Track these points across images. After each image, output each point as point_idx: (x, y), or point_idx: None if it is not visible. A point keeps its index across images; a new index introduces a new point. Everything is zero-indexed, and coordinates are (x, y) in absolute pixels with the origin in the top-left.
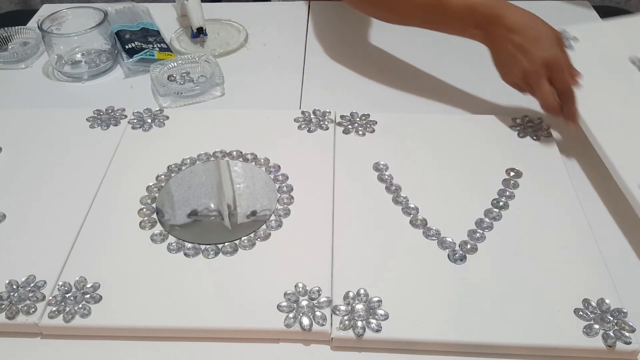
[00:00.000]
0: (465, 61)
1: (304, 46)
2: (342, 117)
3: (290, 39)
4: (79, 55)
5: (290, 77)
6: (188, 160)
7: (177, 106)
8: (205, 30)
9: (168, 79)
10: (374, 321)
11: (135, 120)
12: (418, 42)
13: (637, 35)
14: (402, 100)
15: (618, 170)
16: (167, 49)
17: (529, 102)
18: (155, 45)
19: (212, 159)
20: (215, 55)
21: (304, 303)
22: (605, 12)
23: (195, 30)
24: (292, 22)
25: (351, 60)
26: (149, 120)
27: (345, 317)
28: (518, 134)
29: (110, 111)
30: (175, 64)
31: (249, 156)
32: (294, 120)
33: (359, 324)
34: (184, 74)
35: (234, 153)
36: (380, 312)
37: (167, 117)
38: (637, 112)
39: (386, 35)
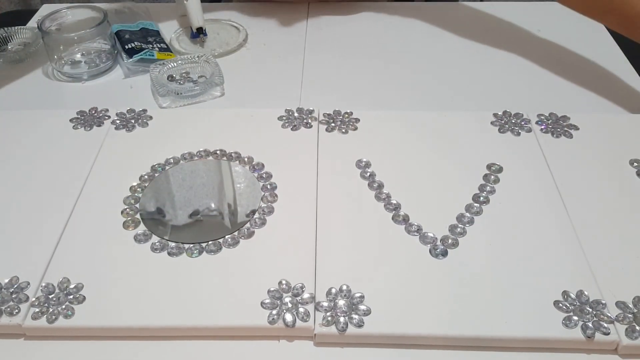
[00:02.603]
0: (446, 58)
1: (303, 46)
2: (325, 115)
3: (290, 38)
4: (78, 55)
5: (290, 76)
6: (172, 160)
7: (176, 106)
8: (205, 30)
9: (168, 79)
10: (356, 317)
11: (118, 121)
12: (410, 41)
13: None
14: (392, 98)
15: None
16: (167, 49)
17: (510, 98)
18: (154, 46)
19: (196, 158)
20: (215, 55)
21: (287, 300)
22: None
23: (195, 31)
24: (291, 22)
25: (351, 60)
26: (132, 121)
27: (328, 313)
28: (499, 130)
29: (93, 112)
30: (175, 64)
31: (232, 155)
32: (278, 118)
33: (341, 319)
34: (183, 74)
35: (218, 152)
36: (362, 307)
37: (151, 118)
38: (626, 220)
39: (385, 37)
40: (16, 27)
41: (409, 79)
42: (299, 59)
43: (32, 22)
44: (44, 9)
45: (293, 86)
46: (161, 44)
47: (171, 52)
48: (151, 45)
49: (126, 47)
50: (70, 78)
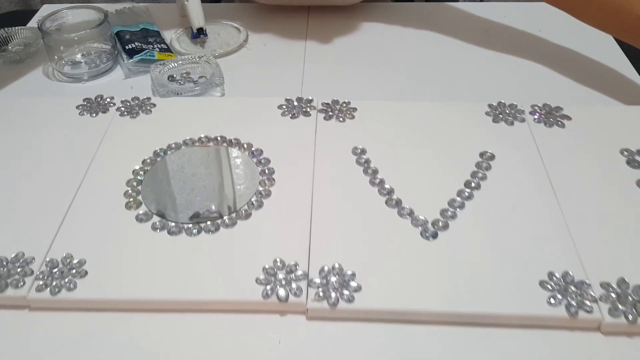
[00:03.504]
0: (443, 55)
1: (304, 46)
2: (323, 104)
3: (291, 39)
4: (79, 56)
5: (290, 77)
6: (174, 145)
7: None
8: (205, 30)
9: (168, 79)
10: (347, 292)
11: (123, 108)
12: (409, 38)
13: (632, 127)
14: (390, 92)
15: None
16: (167, 50)
17: (505, 91)
18: (155, 46)
19: (197, 144)
20: (215, 55)
21: (281, 276)
22: None
23: (195, 31)
24: (292, 23)
25: (352, 62)
26: (137, 108)
27: (320, 289)
28: (493, 120)
29: (99, 99)
30: (176, 64)
31: (232, 141)
32: (277, 107)
33: (333, 294)
34: (184, 75)
35: (218, 138)
36: (353, 284)
37: (154, 105)
38: (614, 206)
39: (384, 37)
40: (16, 28)
41: (409, 75)
42: (300, 59)
43: (33, 23)
44: (44, 10)
45: (293, 87)
46: (161, 45)
47: (171, 52)
48: (152, 46)
49: (127, 47)
50: (70, 78)
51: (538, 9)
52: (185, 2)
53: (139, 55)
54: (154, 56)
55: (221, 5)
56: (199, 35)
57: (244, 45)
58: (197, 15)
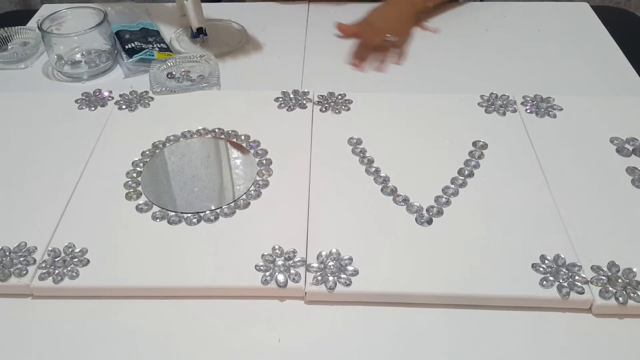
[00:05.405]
0: (436, 44)
1: (303, 46)
2: (319, 96)
3: (290, 39)
4: (78, 56)
5: (290, 77)
6: (172, 137)
7: None
8: (205, 30)
9: (167, 76)
10: (344, 276)
11: (121, 102)
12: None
13: (621, 116)
14: (390, 85)
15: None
16: (167, 49)
17: (496, 81)
18: (155, 46)
19: (195, 136)
20: (215, 55)
21: (280, 262)
22: (605, 12)
23: (195, 31)
24: (291, 23)
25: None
26: (135, 102)
27: (318, 274)
28: (485, 110)
29: (97, 93)
30: (175, 62)
31: (230, 133)
32: (274, 99)
33: (331, 278)
34: (183, 72)
35: (216, 130)
36: (350, 268)
37: (152, 99)
38: (604, 192)
39: None
40: (16, 27)
41: (405, 68)
42: (300, 59)
43: (32, 22)
44: (44, 9)
45: (293, 84)
46: (161, 44)
47: (171, 52)
48: (151, 45)
49: (126, 47)
50: (70, 78)
51: (537, 8)
52: (185, 2)
53: (138, 54)
54: (153, 56)
55: (221, 5)
56: (198, 34)
57: (244, 44)
58: (196, 15)
